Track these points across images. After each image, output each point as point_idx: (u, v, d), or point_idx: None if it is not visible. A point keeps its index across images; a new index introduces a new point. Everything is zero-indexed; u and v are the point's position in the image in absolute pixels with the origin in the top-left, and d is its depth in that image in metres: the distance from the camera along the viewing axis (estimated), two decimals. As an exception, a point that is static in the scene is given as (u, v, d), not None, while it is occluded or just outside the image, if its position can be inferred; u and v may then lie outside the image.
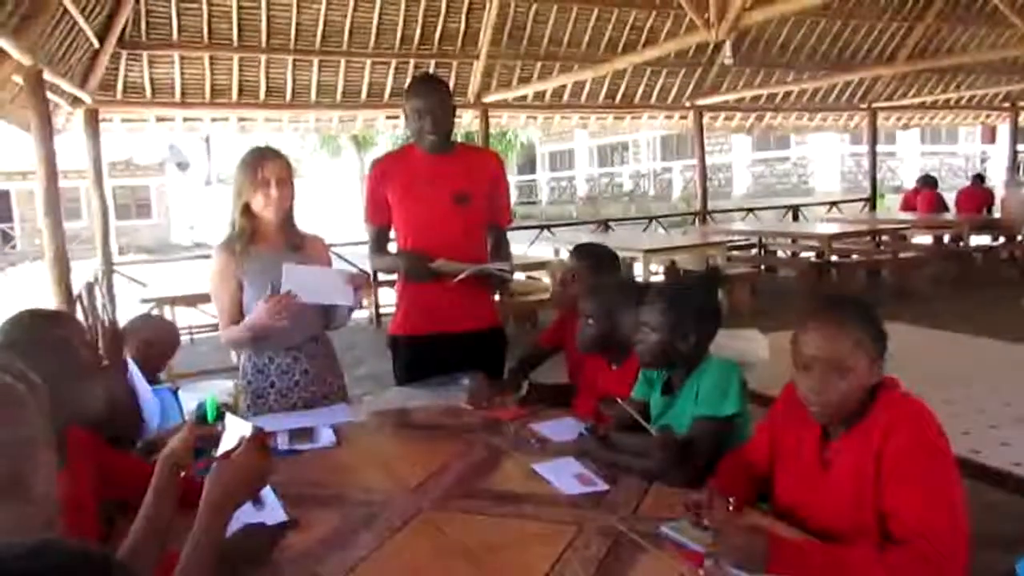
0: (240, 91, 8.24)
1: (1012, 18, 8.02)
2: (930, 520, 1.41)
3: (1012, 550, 1.39)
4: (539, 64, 9.28)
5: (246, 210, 2.51)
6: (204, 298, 5.72)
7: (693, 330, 1.99)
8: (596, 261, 2.72)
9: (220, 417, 1.63)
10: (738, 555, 1.40)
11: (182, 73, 7.86)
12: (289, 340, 2.59)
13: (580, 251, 2.83)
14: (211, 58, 7.87)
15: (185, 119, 8.60)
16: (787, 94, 11.31)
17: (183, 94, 8.03)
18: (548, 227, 11.70)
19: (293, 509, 1.75)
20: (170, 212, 29.82)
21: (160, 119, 8.48)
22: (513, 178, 35.50)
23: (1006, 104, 13.36)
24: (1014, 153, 13.91)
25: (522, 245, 9.67)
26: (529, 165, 37.10)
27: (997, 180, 16.03)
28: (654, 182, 30.24)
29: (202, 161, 33.93)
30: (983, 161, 24.83)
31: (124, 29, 7.14)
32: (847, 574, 1.37)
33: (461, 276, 2.71)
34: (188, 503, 1.49)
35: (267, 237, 2.56)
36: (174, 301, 6.69)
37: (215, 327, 2.70)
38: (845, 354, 1.51)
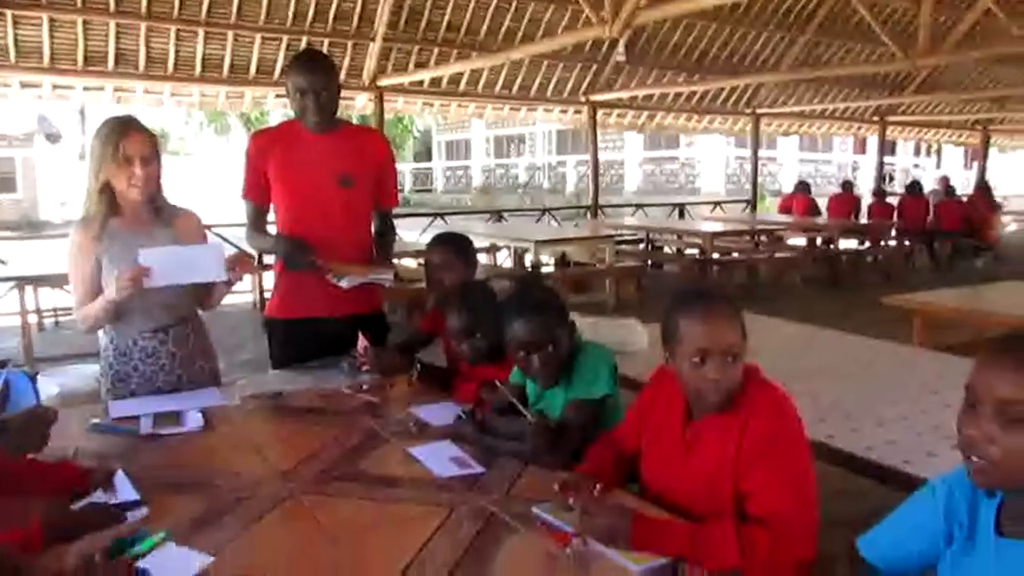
0: (117, 60, 7.78)
1: (883, 37, 8.53)
2: (784, 501, 1.50)
3: (859, 528, 1.48)
4: (436, 50, 9.22)
5: (105, 187, 2.31)
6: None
7: (563, 330, 2.01)
8: (457, 248, 2.73)
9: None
10: (603, 533, 1.45)
11: (51, 36, 7.35)
12: (152, 320, 2.43)
13: (441, 240, 2.81)
14: (85, 22, 7.39)
15: (55, 87, 8.03)
16: (677, 95, 11.71)
17: (52, 59, 7.51)
18: (441, 215, 11.67)
19: (154, 494, 1.66)
20: (38, 186, 27.85)
21: (25, 85, 7.90)
22: (409, 165, 35.26)
23: (875, 118, 14.30)
24: (881, 164, 14.92)
25: (414, 232, 9.59)
26: (425, 153, 36.89)
27: (865, 188, 17.10)
28: (549, 175, 30.68)
29: (76, 133, 31.85)
30: (854, 170, 26.56)
31: (-14, -16, 6.63)
32: (704, 549, 1.43)
33: (341, 284, 2.63)
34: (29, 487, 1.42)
35: (131, 213, 2.37)
36: (36, 281, 6.26)
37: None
38: (737, 341, 1.58)
